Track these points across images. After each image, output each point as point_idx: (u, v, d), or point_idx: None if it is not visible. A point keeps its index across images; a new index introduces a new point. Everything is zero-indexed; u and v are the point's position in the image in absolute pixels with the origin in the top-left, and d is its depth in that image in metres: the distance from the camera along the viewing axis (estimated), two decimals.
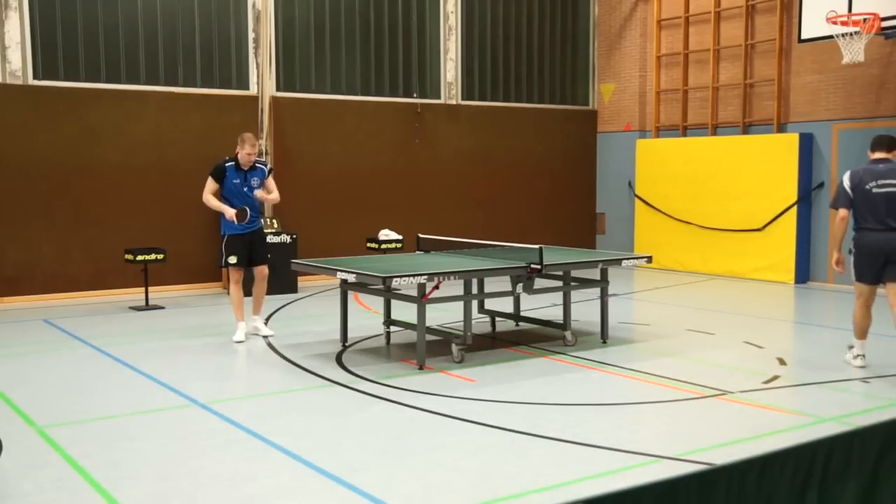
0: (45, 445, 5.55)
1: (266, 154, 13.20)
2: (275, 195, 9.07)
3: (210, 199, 8.81)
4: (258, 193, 8.86)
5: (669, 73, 15.48)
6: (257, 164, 8.93)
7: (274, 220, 12.59)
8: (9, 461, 5.14)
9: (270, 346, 8.69)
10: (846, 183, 7.41)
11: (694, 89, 15.10)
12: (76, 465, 5.17)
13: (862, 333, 7.61)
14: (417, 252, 9.63)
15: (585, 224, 16.60)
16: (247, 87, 13.15)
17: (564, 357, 8.11)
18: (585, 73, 16.64)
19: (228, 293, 12.18)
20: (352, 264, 8.26)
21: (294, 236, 12.44)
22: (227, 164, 8.79)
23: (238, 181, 8.78)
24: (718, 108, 14.77)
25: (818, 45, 12.94)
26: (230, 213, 8.65)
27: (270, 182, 9.05)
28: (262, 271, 9.02)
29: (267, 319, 9.94)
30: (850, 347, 7.80)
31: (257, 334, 9.06)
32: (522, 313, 9.48)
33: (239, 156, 8.74)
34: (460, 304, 8.02)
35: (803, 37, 13.01)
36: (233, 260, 8.82)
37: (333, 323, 9.09)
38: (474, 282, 8.22)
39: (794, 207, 13.39)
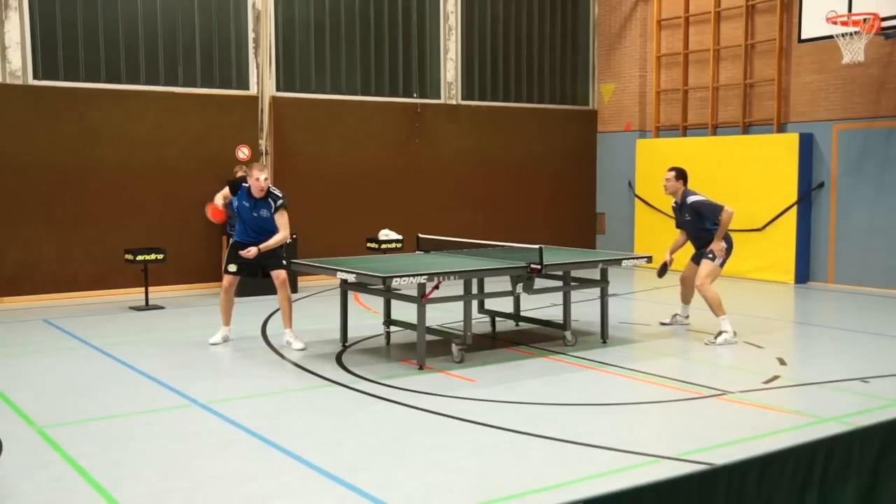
0: (45, 445, 5.55)
1: (266, 154, 13.22)
2: (281, 235, 8.45)
3: (215, 207, 8.66)
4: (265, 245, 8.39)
5: (669, 73, 15.48)
6: (269, 197, 8.46)
7: None
8: (9, 461, 5.14)
9: (270, 346, 8.69)
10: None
11: (694, 89, 15.10)
12: (76, 465, 5.17)
13: (723, 308, 8.79)
14: (417, 252, 9.63)
15: (585, 224, 16.60)
16: (247, 87, 13.15)
17: (564, 357, 8.11)
18: (585, 73, 16.65)
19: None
20: (352, 264, 8.26)
21: (294, 236, 12.43)
22: (243, 184, 8.46)
23: (248, 205, 8.45)
24: (718, 108, 14.77)
25: (818, 45, 12.95)
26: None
27: (279, 218, 8.48)
28: (278, 276, 8.51)
29: (267, 319, 9.95)
30: (720, 334, 8.67)
31: (289, 348, 8.45)
32: (522, 313, 9.48)
33: (250, 182, 8.40)
34: (460, 304, 8.01)
35: (803, 37, 13.02)
36: (232, 268, 8.57)
37: (333, 323, 9.08)
38: (474, 282, 8.22)
39: (794, 207, 13.40)
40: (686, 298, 9.67)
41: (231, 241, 8.78)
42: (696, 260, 9.32)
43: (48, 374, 7.54)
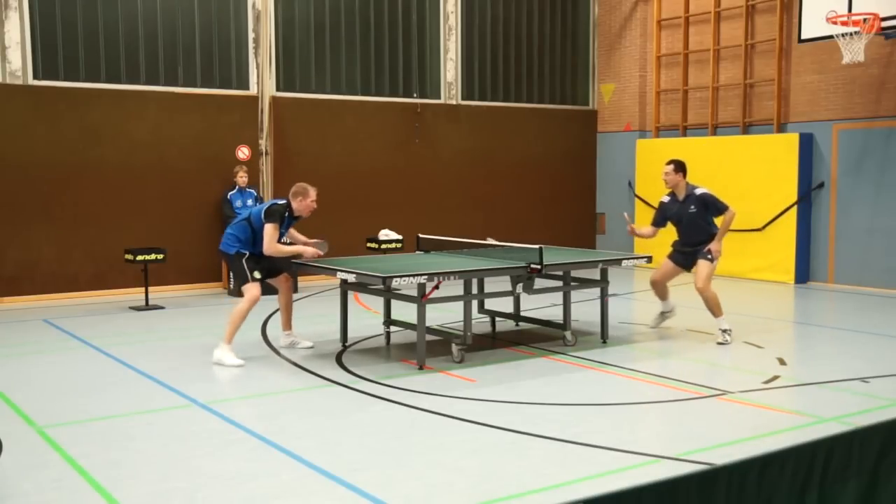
0: (45, 445, 5.55)
1: (266, 154, 13.22)
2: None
3: (281, 247, 8.12)
4: (305, 250, 8.25)
5: (669, 73, 15.48)
6: None
7: None
8: (9, 461, 5.14)
9: (270, 346, 8.69)
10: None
11: (694, 89, 15.10)
12: (76, 465, 5.17)
13: (721, 308, 8.85)
14: (417, 252, 9.63)
15: (585, 224, 16.60)
16: (247, 87, 13.15)
17: (564, 357, 8.11)
18: (585, 73, 16.65)
19: (229, 293, 12.20)
20: (352, 264, 8.26)
21: None
22: (286, 213, 8.14)
23: (283, 228, 8.31)
24: (718, 108, 14.77)
25: (818, 45, 12.95)
26: (309, 252, 8.17)
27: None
28: (290, 278, 8.56)
29: (267, 319, 9.94)
30: (724, 331, 8.75)
31: (294, 348, 8.48)
32: (522, 313, 9.48)
33: (301, 205, 8.16)
34: (460, 304, 8.01)
35: (803, 37, 13.01)
36: (258, 275, 8.27)
37: (333, 323, 9.08)
38: (474, 282, 8.22)
39: (794, 207, 13.40)
40: (663, 296, 9.42)
41: (246, 255, 8.29)
42: (683, 261, 9.10)
43: (48, 374, 7.54)
